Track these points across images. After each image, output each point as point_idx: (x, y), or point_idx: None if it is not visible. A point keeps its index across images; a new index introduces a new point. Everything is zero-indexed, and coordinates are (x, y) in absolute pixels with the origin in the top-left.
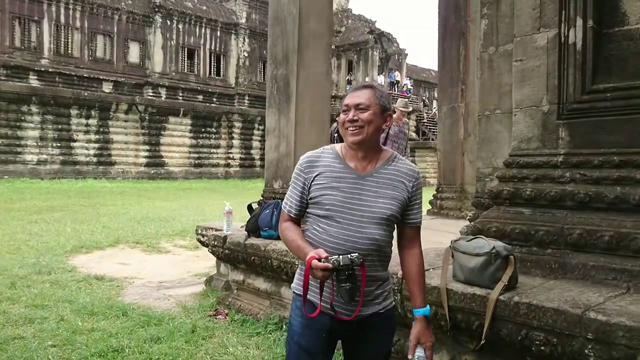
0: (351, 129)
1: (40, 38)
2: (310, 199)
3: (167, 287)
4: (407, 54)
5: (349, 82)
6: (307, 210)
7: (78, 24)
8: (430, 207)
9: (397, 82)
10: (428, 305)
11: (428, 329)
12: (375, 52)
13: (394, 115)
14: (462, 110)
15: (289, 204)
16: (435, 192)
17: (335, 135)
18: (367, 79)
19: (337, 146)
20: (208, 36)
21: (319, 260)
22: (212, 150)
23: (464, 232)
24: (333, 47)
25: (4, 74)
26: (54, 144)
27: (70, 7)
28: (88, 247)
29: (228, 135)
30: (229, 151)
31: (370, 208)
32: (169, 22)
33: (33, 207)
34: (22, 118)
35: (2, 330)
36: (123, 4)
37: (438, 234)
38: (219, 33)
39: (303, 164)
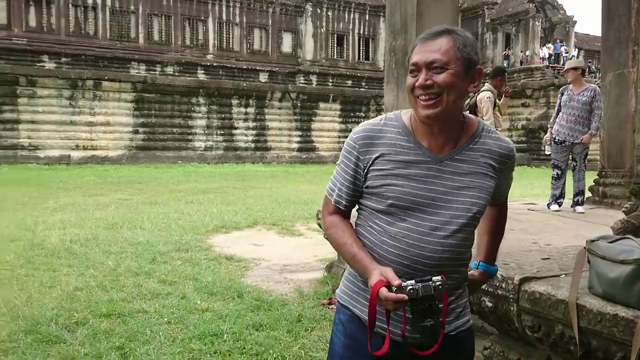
0: (423, 98)
1: (206, 35)
2: (367, 187)
3: (290, 270)
4: (575, 22)
5: (506, 58)
6: (361, 200)
7: (237, 19)
8: (591, 195)
9: (563, 54)
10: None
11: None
12: (537, 23)
13: (568, 78)
14: (634, 77)
15: (337, 191)
16: (597, 177)
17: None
18: (527, 53)
19: (404, 115)
20: (357, 21)
21: (389, 286)
22: None
23: (615, 229)
24: (488, 20)
25: (177, 70)
26: (218, 132)
27: (231, 4)
28: (228, 227)
29: None
30: None
31: (449, 203)
32: (319, 10)
33: (194, 189)
34: (192, 109)
35: (132, 302)
36: None
37: (592, 228)
38: (367, 17)
39: (358, 140)
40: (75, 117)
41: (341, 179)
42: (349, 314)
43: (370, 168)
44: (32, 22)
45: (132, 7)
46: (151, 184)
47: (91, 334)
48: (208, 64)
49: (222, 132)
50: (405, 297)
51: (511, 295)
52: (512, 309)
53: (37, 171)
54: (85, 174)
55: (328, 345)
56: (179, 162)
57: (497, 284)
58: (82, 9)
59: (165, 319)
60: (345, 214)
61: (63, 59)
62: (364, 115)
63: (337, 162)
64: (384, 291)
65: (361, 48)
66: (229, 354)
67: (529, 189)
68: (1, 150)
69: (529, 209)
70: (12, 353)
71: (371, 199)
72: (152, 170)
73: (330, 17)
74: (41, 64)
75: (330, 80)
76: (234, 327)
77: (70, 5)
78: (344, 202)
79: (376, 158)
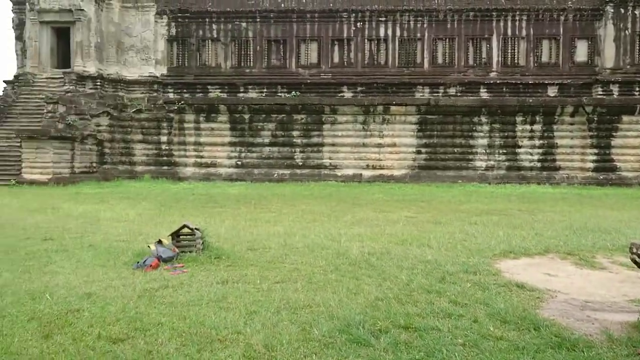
0: None
1: (490, 53)
2: None
3: (593, 308)
4: None
5: None
6: None
7: (524, 33)
8: None
9: None
10: None
11: None
12: None
13: None
14: None
15: None
16: None
17: None
18: None
19: None
20: None
21: None
22: None
23: None
24: None
25: (460, 90)
26: (500, 151)
27: (517, 18)
28: (516, 253)
29: None
30: None
31: None
32: (622, 10)
33: (476, 209)
34: (473, 128)
35: (426, 319)
36: (569, 2)
37: None
38: None
39: None
40: (366, 140)
41: None
42: None
43: None
44: (336, 59)
45: (418, 35)
46: (434, 202)
47: (393, 343)
48: (491, 81)
49: (505, 151)
50: None
51: None
52: None
53: (336, 187)
54: (374, 191)
55: None
56: (459, 181)
57: None
58: (376, 42)
59: (460, 340)
60: None
61: (358, 88)
62: None
63: None
64: None
65: None
66: None
67: None
68: (309, 170)
69: None
70: (331, 347)
71: None
72: (434, 189)
73: (638, 16)
74: (341, 94)
75: (638, 89)
76: None
77: (366, 40)
78: None
79: None
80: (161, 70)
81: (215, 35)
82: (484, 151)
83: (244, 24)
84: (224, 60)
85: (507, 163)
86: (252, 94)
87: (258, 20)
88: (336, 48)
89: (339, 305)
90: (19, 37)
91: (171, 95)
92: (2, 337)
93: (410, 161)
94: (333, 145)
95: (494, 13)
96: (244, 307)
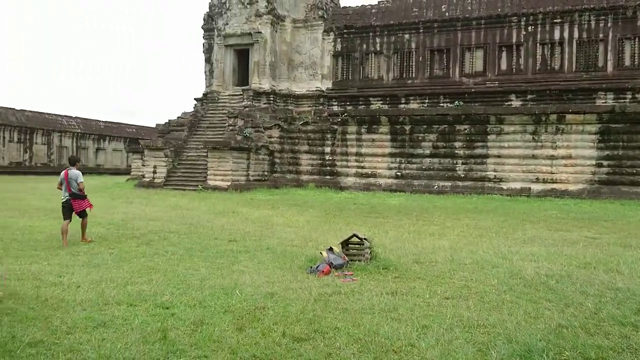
0: None
1: None
2: None
3: None
4: None
5: None
6: None
7: None
8: None
9: None
10: None
11: None
12: None
13: None
14: None
15: None
16: None
17: None
18: None
19: None
20: None
21: None
22: None
23: None
24: None
25: None
26: None
27: None
28: None
29: None
30: None
31: None
32: None
33: None
34: None
35: (621, 354)
36: None
37: None
38: None
39: None
40: (537, 151)
41: None
42: None
43: None
44: (503, 66)
45: (600, 35)
46: (619, 222)
47: None
48: None
49: None
50: None
51: None
52: None
53: (501, 202)
54: (546, 207)
55: None
56: None
57: None
58: (549, 45)
59: None
60: None
61: (528, 96)
62: None
63: None
64: None
65: None
66: None
67: None
68: (472, 182)
69: None
70: None
71: None
72: (618, 207)
73: None
74: (508, 103)
75: None
76: None
77: (537, 44)
78: None
79: None
80: (326, 85)
81: (378, 49)
82: None
83: (406, 36)
84: (385, 72)
85: None
86: (413, 105)
87: (421, 31)
88: (504, 54)
89: (517, 329)
90: (208, 60)
91: (335, 108)
92: (205, 326)
93: (589, 175)
94: (498, 156)
95: None
96: (415, 320)
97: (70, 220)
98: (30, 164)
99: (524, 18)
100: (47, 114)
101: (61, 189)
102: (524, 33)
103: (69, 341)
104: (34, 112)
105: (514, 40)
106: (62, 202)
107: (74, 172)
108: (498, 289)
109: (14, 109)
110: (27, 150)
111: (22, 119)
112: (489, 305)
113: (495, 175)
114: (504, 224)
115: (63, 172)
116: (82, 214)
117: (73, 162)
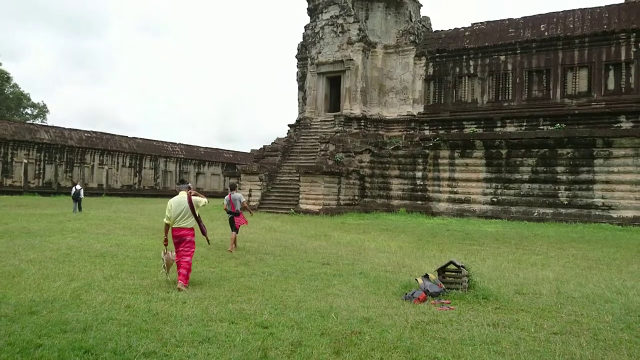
0: None
1: None
2: None
3: None
4: None
5: None
6: None
7: None
8: None
9: None
10: None
11: None
12: None
13: None
14: None
15: None
16: None
17: None
18: None
19: None
20: None
21: None
22: None
23: None
24: None
25: None
26: None
27: None
28: None
29: None
30: None
31: None
32: None
33: None
34: None
35: None
36: None
37: None
38: None
39: None
40: None
41: None
42: None
43: None
44: (611, 85)
45: None
46: None
47: None
48: None
49: None
50: None
51: None
52: None
53: (611, 231)
54: None
55: None
56: None
57: None
58: None
59: None
60: None
61: None
62: None
63: None
64: None
65: None
66: None
67: None
68: (576, 209)
69: None
70: None
71: None
72: None
73: None
74: (617, 125)
75: None
76: None
77: None
78: None
79: None
80: (418, 109)
81: (471, 71)
82: None
83: (502, 57)
84: (480, 95)
85: None
86: (510, 128)
87: (518, 51)
88: (611, 73)
89: None
90: (301, 88)
91: (427, 132)
92: (303, 347)
93: None
94: (607, 182)
95: None
96: (521, 355)
97: (237, 232)
98: (139, 187)
99: (634, 34)
100: (155, 140)
101: (227, 209)
102: (634, 50)
103: (179, 353)
104: (144, 139)
105: (623, 57)
106: (229, 219)
107: (236, 195)
108: (613, 326)
109: (127, 136)
110: (137, 174)
111: (133, 146)
112: (604, 344)
113: (603, 203)
114: (616, 255)
115: (227, 195)
116: (237, 229)
117: (233, 187)
